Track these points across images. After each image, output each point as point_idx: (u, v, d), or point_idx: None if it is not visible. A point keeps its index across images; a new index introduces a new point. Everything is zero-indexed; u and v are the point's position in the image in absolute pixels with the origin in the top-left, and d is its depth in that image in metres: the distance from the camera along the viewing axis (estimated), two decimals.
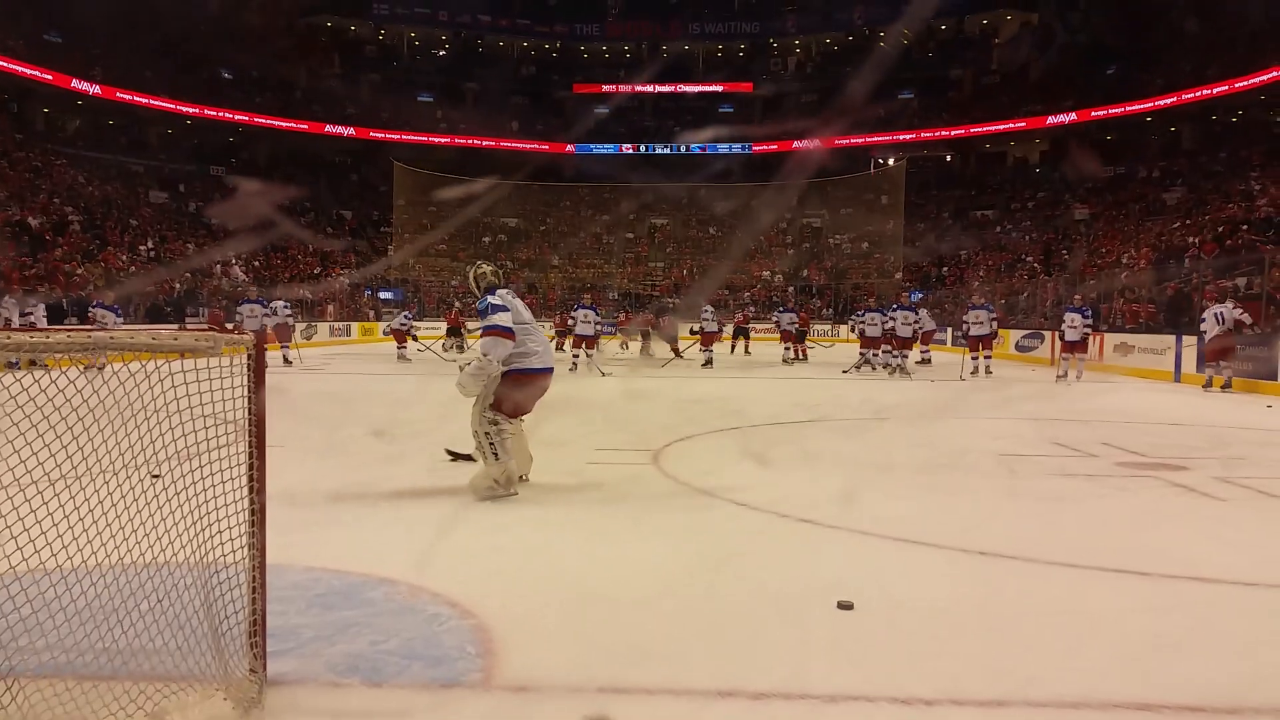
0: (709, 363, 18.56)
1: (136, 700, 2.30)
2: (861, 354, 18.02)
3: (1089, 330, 15.90)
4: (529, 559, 4.07)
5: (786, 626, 3.21)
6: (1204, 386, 13.97)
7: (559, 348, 22.38)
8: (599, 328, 17.63)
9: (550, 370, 5.59)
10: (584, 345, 17.02)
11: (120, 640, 2.45)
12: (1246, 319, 13.77)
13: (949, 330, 27.46)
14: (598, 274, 46.50)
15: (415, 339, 20.20)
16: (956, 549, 4.29)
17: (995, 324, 17.04)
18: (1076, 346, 15.67)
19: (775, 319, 21.91)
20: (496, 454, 5.21)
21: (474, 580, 3.67)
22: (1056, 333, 17.38)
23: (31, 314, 16.48)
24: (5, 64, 35.60)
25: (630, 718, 2.49)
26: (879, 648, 3.02)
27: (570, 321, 17.83)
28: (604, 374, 15.97)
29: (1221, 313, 13.71)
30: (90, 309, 17.59)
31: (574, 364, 16.69)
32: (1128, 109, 40.36)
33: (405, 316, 21.27)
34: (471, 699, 2.60)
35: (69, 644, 2.45)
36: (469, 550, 4.17)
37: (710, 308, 20.36)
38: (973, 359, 16.49)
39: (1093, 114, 41.62)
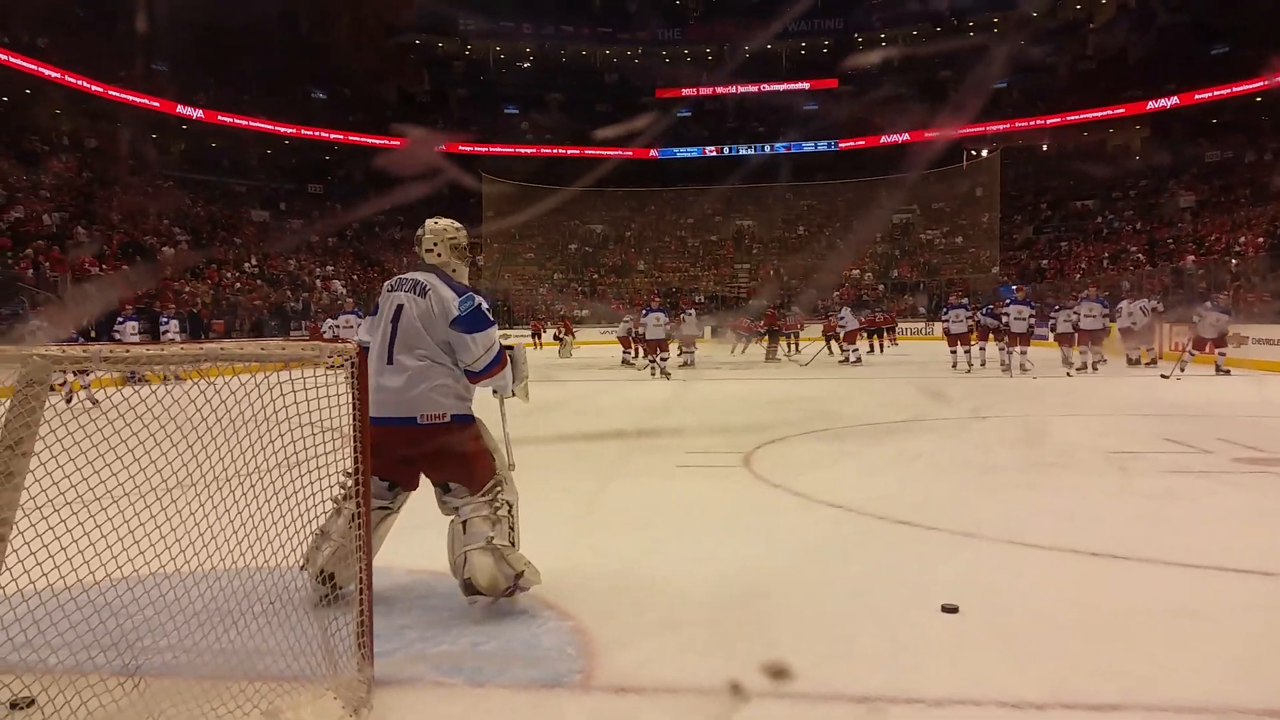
0: (855, 360, 18.96)
1: (252, 699, 2.38)
2: (952, 352, 17.59)
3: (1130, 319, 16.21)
4: (623, 561, 4.08)
5: (889, 630, 3.14)
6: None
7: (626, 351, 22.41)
8: (669, 331, 17.56)
9: (376, 424, 2.98)
10: (656, 350, 16.97)
11: (236, 641, 2.54)
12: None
13: (1049, 324, 26.56)
14: (683, 277, 46.50)
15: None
16: (1064, 550, 4.14)
17: (1108, 320, 16.45)
18: (1094, 336, 15.82)
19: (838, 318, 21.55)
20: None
21: (570, 582, 3.69)
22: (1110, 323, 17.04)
23: (166, 329, 17.54)
24: (119, 93, 37.59)
25: None
26: (985, 651, 2.93)
27: (640, 328, 17.79)
28: (668, 377, 15.99)
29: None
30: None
31: (654, 370, 16.68)
32: (1234, 90, 38.47)
33: None
34: (572, 700, 2.61)
35: (189, 644, 2.55)
36: (564, 552, 4.20)
37: (848, 309, 20.29)
38: (1081, 353, 15.95)
39: (1196, 96, 39.81)
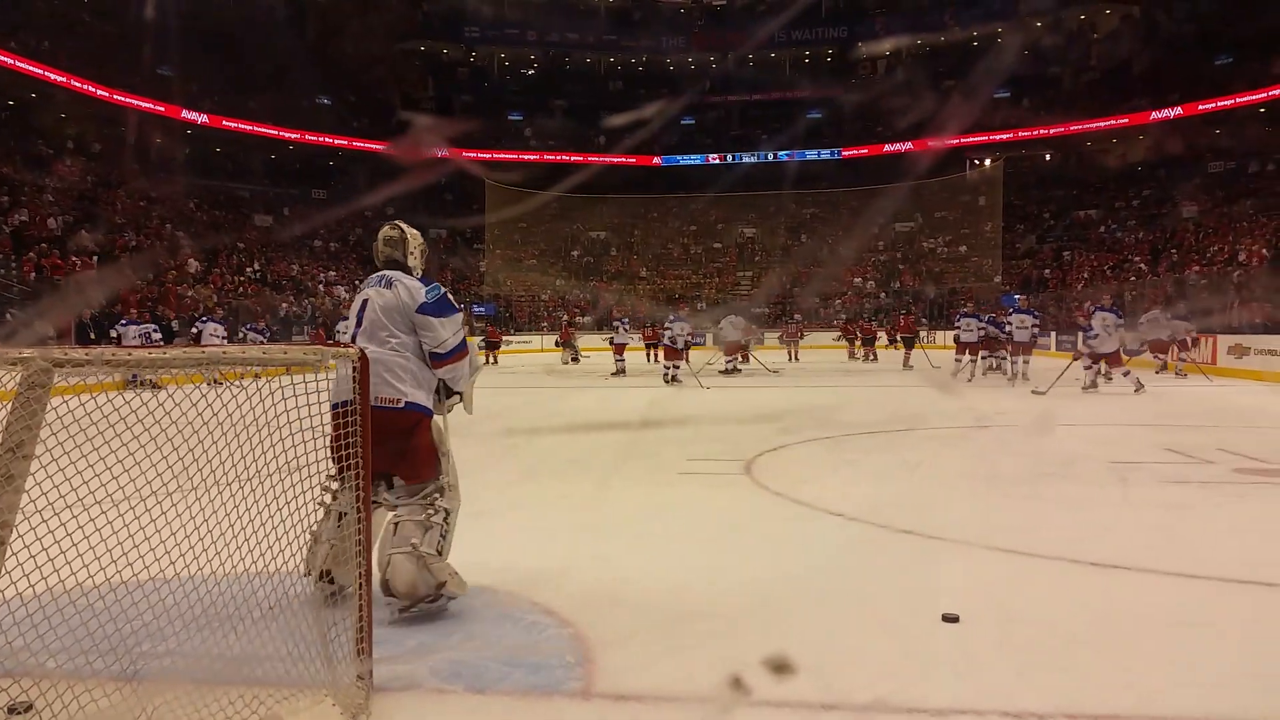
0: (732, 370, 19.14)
1: (250, 705, 2.38)
2: (957, 360, 17.57)
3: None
4: (623, 568, 4.07)
5: (890, 639, 3.13)
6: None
7: (649, 359, 22.58)
8: (689, 339, 17.60)
9: (332, 408, 2.96)
10: (674, 358, 16.94)
11: (234, 646, 2.54)
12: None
13: (1052, 334, 26.57)
14: (685, 285, 46.50)
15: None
16: (1066, 560, 4.13)
17: (1037, 330, 16.37)
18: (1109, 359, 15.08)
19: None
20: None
21: (570, 589, 3.69)
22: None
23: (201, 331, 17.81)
24: (124, 97, 37.69)
25: None
26: (987, 661, 2.92)
27: (664, 331, 17.83)
28: (705, 387, 15.84)
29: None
30: (196, 325, 18.65)
31: (670, 377, 16.64)
32: (1238, 100, 38.43)
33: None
34: (572, 707, 2.60)
35: (187, 649, 2.55)
36: (564, 559, 4.19)
37: (973, 316, 20.29)
38: (1089, 367, 15.88)
39: (1200, 107, 39.78)
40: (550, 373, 20.65)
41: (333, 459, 2.93)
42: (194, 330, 17.25)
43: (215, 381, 2.71)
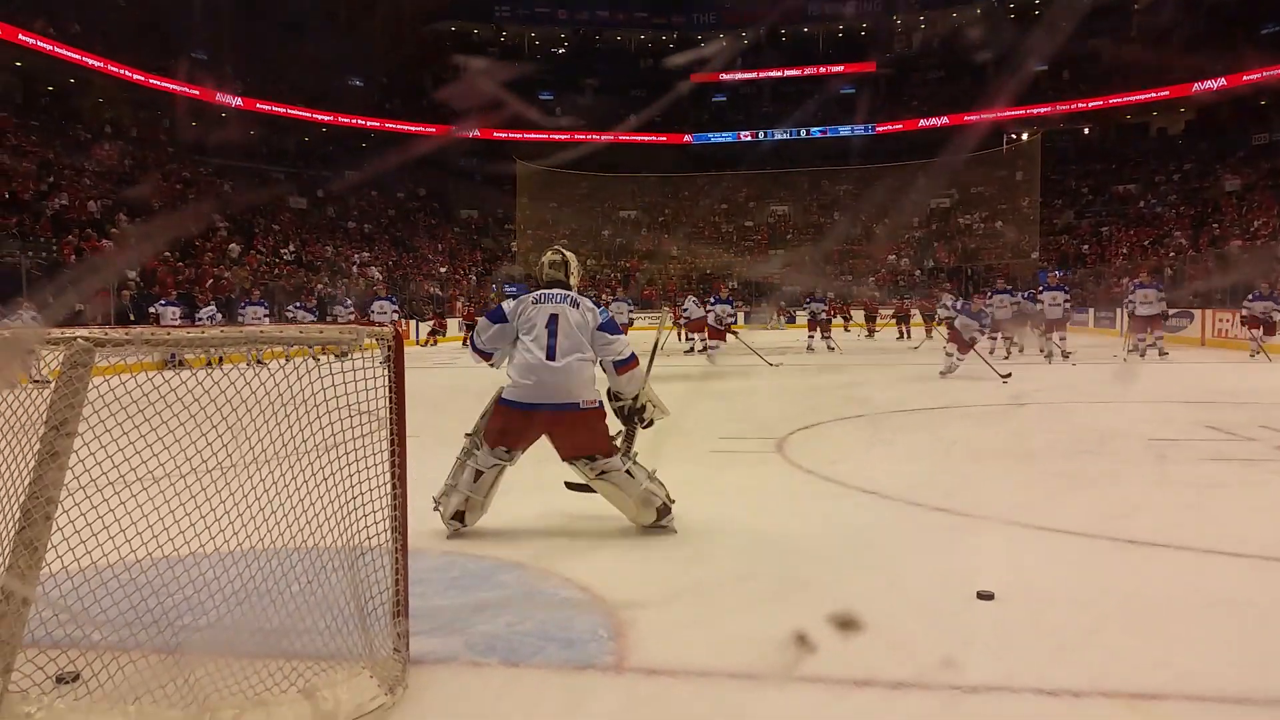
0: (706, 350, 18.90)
1: (289, 677, 2.42)
2: (993, 338, 17.37)
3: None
4: (656, 545, 4.09)
5: (923, 616, 3.12)
6: None
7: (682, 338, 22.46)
8: (730, 320, 17.52)
9: (526, 408, 4.07)
10: (719, 338, 16.96)
11: (273, 620, 2.58)
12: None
13: (1089, 311, 26.18)
14: (717, 264, 46.31)
15: None
16: (1103, 537, 4.08)
17: (1165, 304, 16.06)
18: (1152, 322, 15.62)
19: (807, 307, 21.34)
20: (451, 479, 4.21)
21: (604, 565, 3.71)
22: (1127, 309, 16.60)
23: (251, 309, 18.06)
24: (160, 81, 38.12)
25: (766, 705, 2.47)
26: (1021, 638, 2.90)
27: (681, 311, 17.81)
28: (772, 364, 15.66)
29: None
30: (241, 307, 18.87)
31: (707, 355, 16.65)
32: None
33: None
34: (605, 681, 2.62)
35: (227, 623, 2.59)
36: (597, 536, 4.22)
37: (950, 297, 20.08)
38: (1139, 339, 15.67)
39: (1245, 78, 38.78)
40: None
41: (490, 440, 4.11)
42: (151, 314, 17.26)
43: (258, 361, 2.75)
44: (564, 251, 4.46)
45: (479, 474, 4.11)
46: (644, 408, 4.44)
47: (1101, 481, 5.44)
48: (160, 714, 2.22)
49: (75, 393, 2.22)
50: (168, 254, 25.68)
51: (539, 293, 4.25)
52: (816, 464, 6.06)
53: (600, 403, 4.19)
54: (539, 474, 4.60)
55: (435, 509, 4.14)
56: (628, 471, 4.15)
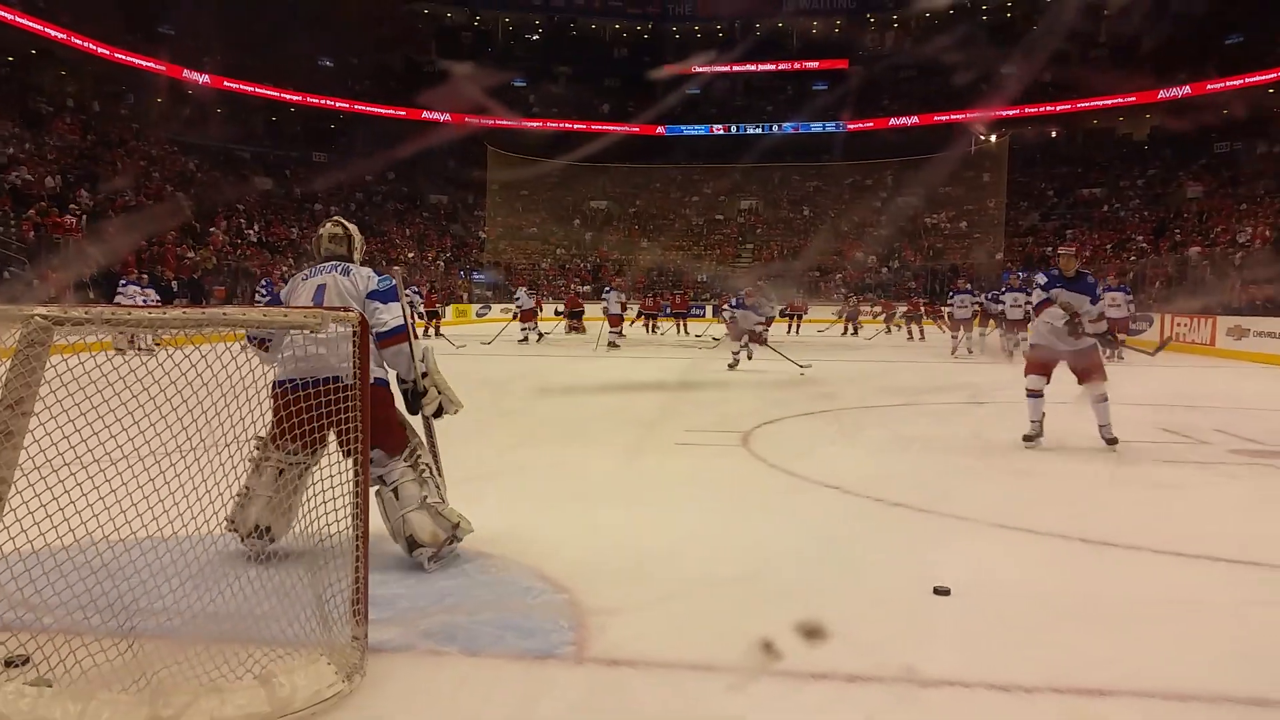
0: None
1: (245, 663, 2.40)
2: (953, 336, 17.60)
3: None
4: (618, 536, 4.10)
5: (881, 610, 3.16)
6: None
7: (649, 330, 22.49)
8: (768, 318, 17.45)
9: (294, 386, 3.15)
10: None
11: (230, 605, 2.56)
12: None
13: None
14: (686, 256, 46.33)
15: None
16: (1057, 535, 4.16)
17: (1132, 307, 16.23)
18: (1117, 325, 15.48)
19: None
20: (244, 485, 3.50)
21: (566, 556, 3.71)
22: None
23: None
24: (125, 56, 37.39)
25: (724, 697, 2.49)
26: (976, 633, 2.95)
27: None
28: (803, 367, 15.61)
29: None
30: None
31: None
32: (1248, 80, 38.05)
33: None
34: (564, 671, 2.63)
35: (183, 607, 2.57)
36: (560, 526, 4.22)
37: (967, 292, 20.14)
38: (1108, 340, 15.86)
39: (1209, 86, 39.43)
40: (551, 343, 20.61)
41: (278, 430, 3.25)
42: (117, 295, 16.68)
43: (140, 347, 2.72)
44: (345, 223, 3.93)
45: (280, 472, 3.42)
46: (424, 392, 3.68)
47: (1059, 481, 5.54)
48: (113, 699, 2.19)
49: (32, 371, 2.18)
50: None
51: (312, 267, 3.79)
52: (781, 458, 6.10)
53: (375, 379, 3.47)
54: (502, 462, 4.60)
55: (230, 529, 3.36)
56: (394, 491, 3.54)
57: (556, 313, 25.95)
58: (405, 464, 3.58)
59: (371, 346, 3.38)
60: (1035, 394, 6.64)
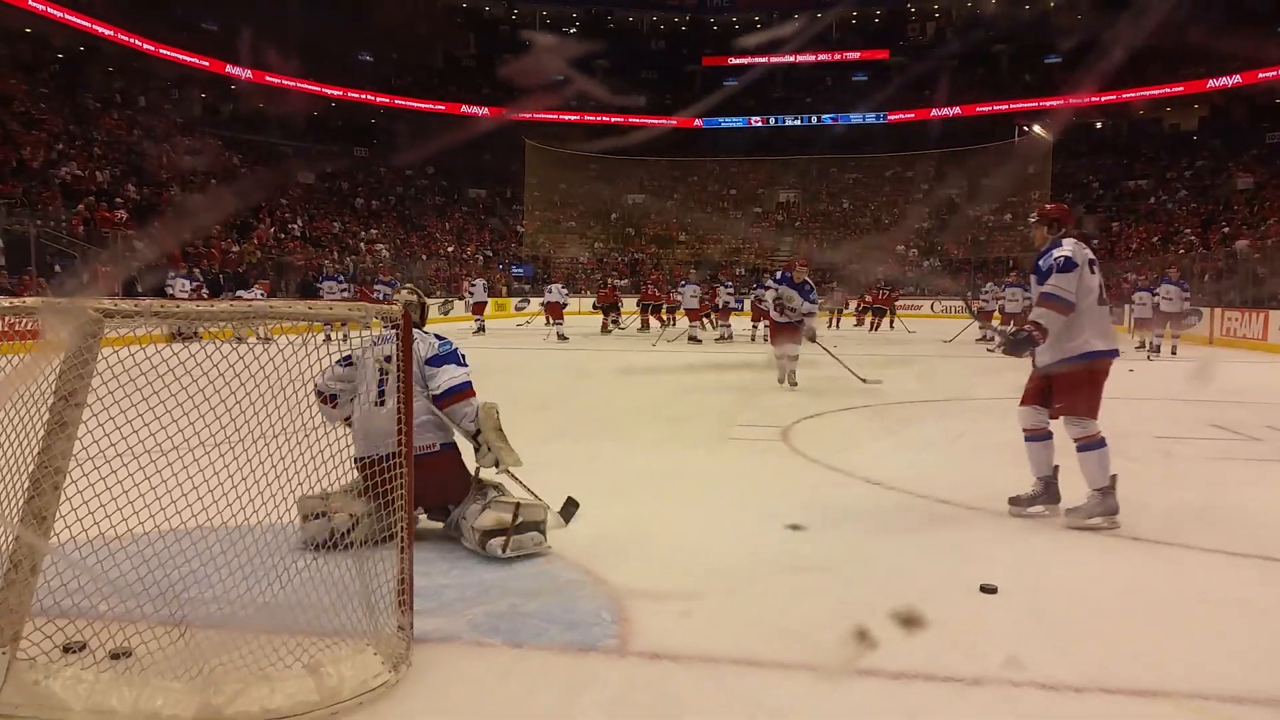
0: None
1: (294, 652, 2.43)
2: (1001, 331, 17.35)
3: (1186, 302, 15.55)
4: (660, 531, 4.09)
5: (926, 608, 3.12)
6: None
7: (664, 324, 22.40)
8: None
9: (360, 460, 3.63)
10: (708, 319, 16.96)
11: (279, 595, 2.59)
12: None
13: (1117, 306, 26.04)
14: (724, 250, 46.16)
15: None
16: (1107, 534, 4.08)
17: (1187, 303, 15.83)
18: (1172, 320, 15.38)
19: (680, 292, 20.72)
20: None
21: (607, 550, 3.72)
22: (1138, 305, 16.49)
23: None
24: (169, 52, 38.00)
25: (766, 692, 2.47)
26: (1023, 632, 2.91)
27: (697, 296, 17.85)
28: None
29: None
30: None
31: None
32: None
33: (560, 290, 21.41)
34: (607, 664, 2.63)
35: (233, 597, 2.60)
36: (603, 520, 4.22)
37: (990, 285, 19.91)
38: (1157, 335, 15.52)
39: (1260, 75, 38.46)
40: (589, 336, 20.62)
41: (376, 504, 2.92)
42: (165, 288, 17.05)
43: (266, 339, 2.75)
44: (419, 291, 4.11)
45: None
46: (478, 448, 3.80)
47: None
48: (166, 687, 2.23)
49: (85, 363, 2.22)
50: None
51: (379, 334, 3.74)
52: (821, 453, 6.06)
53: (443, 445, 3.79)
54: (543, 454, 4.60)
55: (320, 503, 3.42)
56: (464, 517, 3.71)
57: (594, 307, 25.56)
58: (472, 499, 3.75)
59: (430, 414, 3.74)
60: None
